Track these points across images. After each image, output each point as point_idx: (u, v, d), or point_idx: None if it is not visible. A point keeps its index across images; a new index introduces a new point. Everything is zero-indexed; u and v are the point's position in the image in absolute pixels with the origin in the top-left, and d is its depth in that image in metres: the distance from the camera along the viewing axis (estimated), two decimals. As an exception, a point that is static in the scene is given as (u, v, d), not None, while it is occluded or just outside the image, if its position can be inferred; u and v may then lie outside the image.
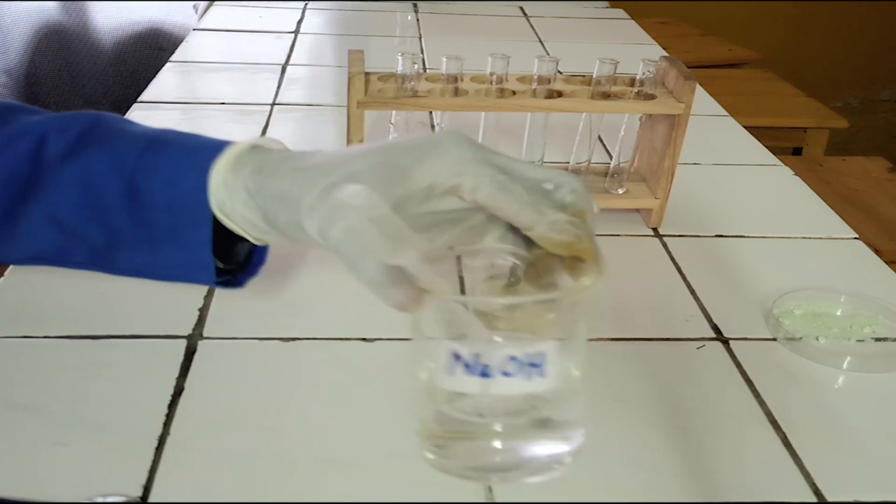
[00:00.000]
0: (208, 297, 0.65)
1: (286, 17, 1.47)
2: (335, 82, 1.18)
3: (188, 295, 0.65)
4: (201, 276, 0.45)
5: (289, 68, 1.22)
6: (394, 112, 0.76)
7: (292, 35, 1.38)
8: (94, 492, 0.47)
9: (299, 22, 1.45)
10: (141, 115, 1.01)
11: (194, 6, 1.57)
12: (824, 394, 0.60)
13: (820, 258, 0.79)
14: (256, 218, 0.41)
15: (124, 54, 1.47)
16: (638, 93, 0.75)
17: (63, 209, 0.44)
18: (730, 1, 2.64)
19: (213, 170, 0.42)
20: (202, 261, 0.44)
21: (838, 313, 0.69)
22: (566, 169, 0.81)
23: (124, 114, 0.98)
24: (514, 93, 0.74)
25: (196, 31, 1.38)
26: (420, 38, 1.40)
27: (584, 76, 0.77)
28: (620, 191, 0.81)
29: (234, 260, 0.47)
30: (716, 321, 0.67)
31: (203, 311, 0.64)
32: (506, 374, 0.36)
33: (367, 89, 0.71)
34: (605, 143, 0.97)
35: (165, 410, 0.54)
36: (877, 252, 0.80)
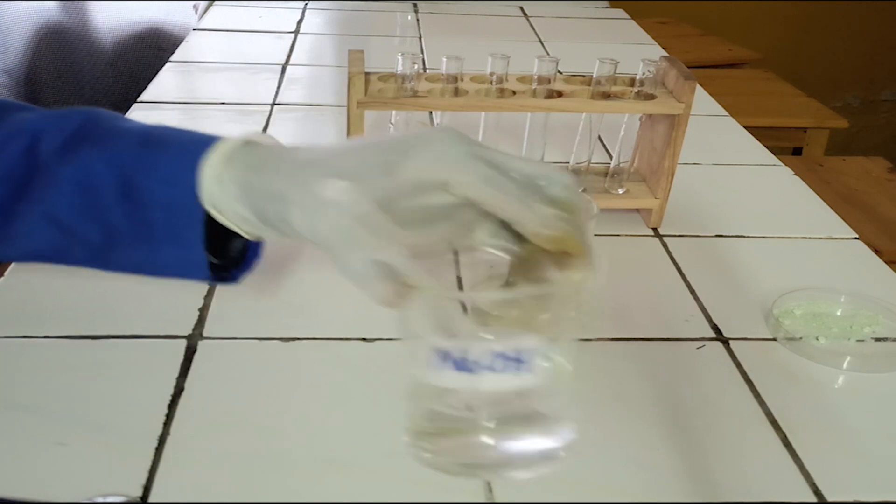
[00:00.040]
0: (208, 297, 0.65)
1: (286, 17, 1.47)
2: (335, 82, 1.18)
3: (188, 295, 0.65)
4: (196, 272, 0.45)
5: (289, 68, 1.22)
6: (394, 112, 0.76)
7: (292, 35, 1.38)
8: (94, 492, 0.47)
9: (299, 22, 1.45)
10: (141, 115, 1.01)
11: (194, 6, 1.57)
12: (824, 394, 0.60)
13: (820, 258, 0.79)
14: (248, 213, 0.42)
15: (124, 54, 1.47)
16: (638, 93, 0.75)
17: (60, 208, 0.44)
18: (730, 1, 2.64)
19: (205, 166, 0.42)
20: (196, 257, 0.44)
21: (838, 313, 0.69)
22: (566, 169, 0.81)
23: (124, 114, 0.98)
24: (514, 93, 0.74)
25: (196, 31, 1.38)
26: (420, 38, 1.40)
27: (584, 76, 0.77)
28: (620, 191, 0.81)
29: (229, 255, 0.47)
30: (716, 321, 0.67)
31: (203, 311, 0.64)
32: (493, 369, 0.36)
33: (367, 89, 0.71)
34: (605, 143, 0.97)
35: (165, 410, 0.54)
36: (877, 252, 0.80)
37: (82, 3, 1.39)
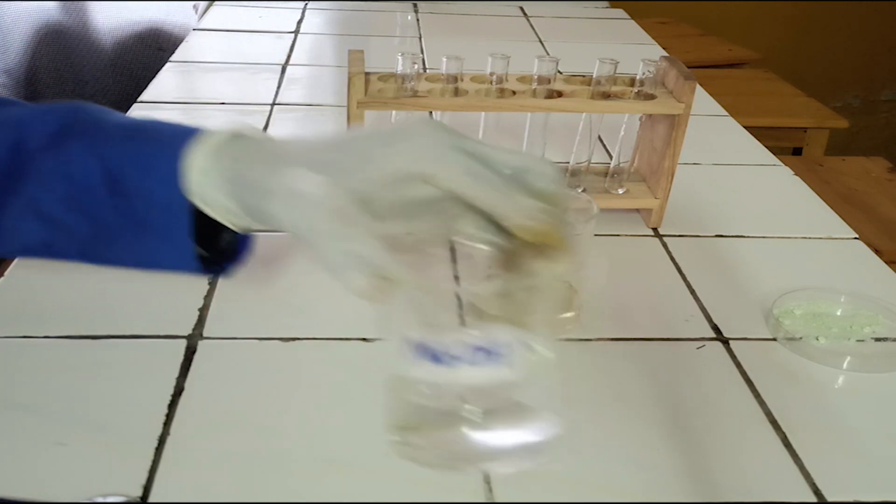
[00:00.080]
0: (208, 297, 0.65)
1: (286, 17, 1.47)
2: (335, 82, 1.18)
3: (188, 295, 0.65)
4: (185, 264, 0.45)
5: (289, 68, 1.22)
6: (394, 112, 0.76)
7: (292, 35, 1.38)
8: (94, 492, 0.47)
9: (299, 22, 1.45)
10: (141, 115, 1.00)
11: (194, 6, 1.57)
12: (824, 394, 0.60)
13: (820, 258, 0.79)
14: (234, 205, 0.42)
15: (124, 54, 1.47)
16: (638, 93, 0.75)
17: (47, 202, 0.44)
18: (730, 1, 2.64)
19: (191, 158, 0.42)
20: (185, 249, 0.44)
21: (838, 313, 0.69)
22: (566, 169, 0.81)
23: (125, 114, 0.98)
24: (514, 93, 0.74)
25: (196, 31, 1.38)
26: (420, 38, 1.40)
27: (584, 76, 0.77)
28: (620, 191, 0.81)
29: (219, 248, 0.47)
30: (716, 321, 0.67)
31: (203, 311, 0.64)
32: (473, 363, 0.36)
33: (367, 89, 0.71)
34: (605, 143, 0.97)
35: (165, 410, 0.54)
36: (877, 252, 0.80)
37: (82, 3, 1.39)
